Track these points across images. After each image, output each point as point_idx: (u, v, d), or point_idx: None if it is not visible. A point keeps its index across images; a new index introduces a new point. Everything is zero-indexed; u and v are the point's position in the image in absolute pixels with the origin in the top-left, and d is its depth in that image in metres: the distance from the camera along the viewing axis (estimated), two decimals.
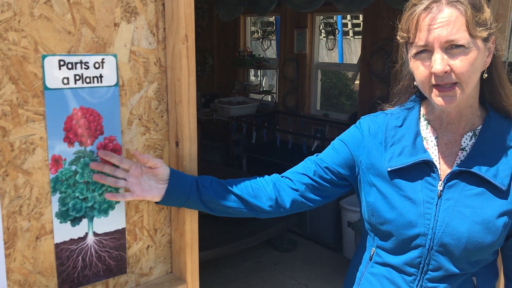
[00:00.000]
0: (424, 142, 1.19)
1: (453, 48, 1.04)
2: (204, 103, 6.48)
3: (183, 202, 1.22)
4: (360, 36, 5.14)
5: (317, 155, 1.35)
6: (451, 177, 1.13)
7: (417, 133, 1.20)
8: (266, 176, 1.33)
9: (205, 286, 3.59)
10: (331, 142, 1.35)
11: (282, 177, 1.34)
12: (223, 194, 1.25)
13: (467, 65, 1.04)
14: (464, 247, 1.11)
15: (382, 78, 4.69)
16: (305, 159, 1.35)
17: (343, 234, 4.11)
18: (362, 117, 1.32)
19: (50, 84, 1.08)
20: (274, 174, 1.35)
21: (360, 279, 1.30)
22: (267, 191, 1.28)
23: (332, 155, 1.30)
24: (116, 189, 1.22)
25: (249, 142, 5.43)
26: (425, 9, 1.06)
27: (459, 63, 1.04)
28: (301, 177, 1.30)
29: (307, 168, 1.31)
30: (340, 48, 8.87)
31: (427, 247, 1.14)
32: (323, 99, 6.45)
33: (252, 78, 7.33)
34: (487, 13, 1.07)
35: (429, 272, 1.16)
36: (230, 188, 1.26)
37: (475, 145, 1.14)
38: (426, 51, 1.07)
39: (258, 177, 1.31)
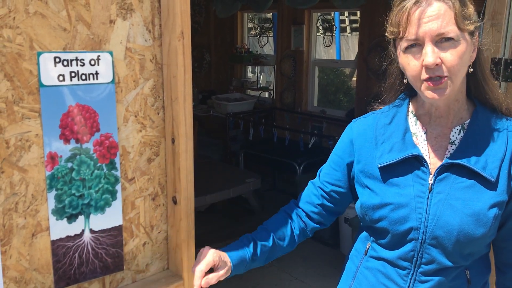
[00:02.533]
0: (414, 138, 1.21)
1: (443, 41, 1.06)
2: (202, 99, 6.47)
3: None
4: (358, 33, 5.13)
5: (319, 176, 1.39)
6: (441, 170, 1.15)
7: (406, 129, 1.21)
8: (293, 214, 1.39)
9: None
10: (330, 157, 1.38)
11: (298, 207, 1.40)
12: (269, 256, 1.35)
13: (457, 58, 1.06)
14: (455, 239, 1.12)
15: (380, 74, 4.69)
16: (309, 184, 1.41)
17: (340, 230, 4.12)
18: (353, 120, 1.35)
19: (45, 81, 1.08)
20: (294, 206, 1.41)
21: (356, 273, 1.32)
22: (296, 230, 1.37)
23: (333, 173, 1.34)
24: (113, 186, 1.22)
25: (246, 139, 5.43)
26: (415, 3, 1.08)
27: (450, 56, 1.06)
28: (312, 207, 1.37)
29: (314, 196, 1.37)
30: (337, 44, 8.87)
31: (420, 241, 1.15)
32: (321, 95, 6.44)
33: (250, 74, 7.32)
34: (471, 8, 1.10)
35: (422, 265, 1.17)
36: (274, 248, 1.35)
37: (464, 139, 1.16)
38: (417, 45, 1.09)
39: (288, 219, 1.38)
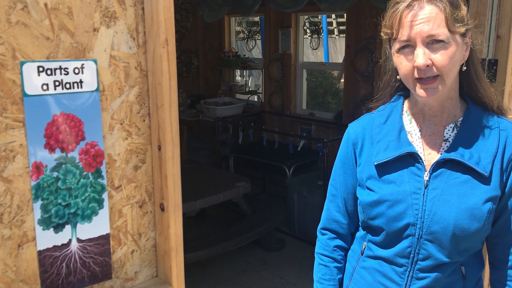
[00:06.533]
0: (409, 136, 1.24)
1: (434, 43, 1.10)
2: (190, 104, 6.46)
3: None
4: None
5: (332, 190, 1.39)
6: (436, 167, 1.18)
7: (401, 128, 1.25)
8: (329, 248, 1.41)
9: (193, 287, 3.59)
10: (335, 168, 1.39)
11: (328, 230, 1.41)
12: None
13: (447, 58, 1.10)
14: (451, 234, 1.15)
15: (366, 76, 4.72)
16: (326, 205, 1.42)
17: None
18: (349, 124, 1.38)
19: (29, 90, 1.07)
20: (324, 239, 1.42)
21: (352, 274, 1.34)
22: (342, 257, 1.41)
23: (345, 181, 1.35)
24: (100, 194, 1.21)
25: (235, 143, 5.43)
26: (407, 6, 1.12)
27: (440, 57, 1.09)
28: (340, 224, 1.39)
29: (337, 213, 1.38)
30: (325, 47, 8.90)
31: (417, 236, 1.18)
32: (309, 98, 6.46)
33: (238, 78, 7.32)
34: (464, 10, 1.14)
35: (419, 262, 1.20)
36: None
37: (457, 136, 1.20)
38: (409, 46, 1.12)
39: (332, 262, 1.41)
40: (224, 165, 5.50)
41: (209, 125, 5.73)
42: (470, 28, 1.16)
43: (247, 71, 6.72)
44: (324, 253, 1.40)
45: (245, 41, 7.25)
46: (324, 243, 1.41)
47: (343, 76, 5.89)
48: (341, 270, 1.39)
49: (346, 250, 1.41)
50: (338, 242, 1.39)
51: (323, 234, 1.42)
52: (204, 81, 6.92)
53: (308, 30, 6.04)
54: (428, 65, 1.09)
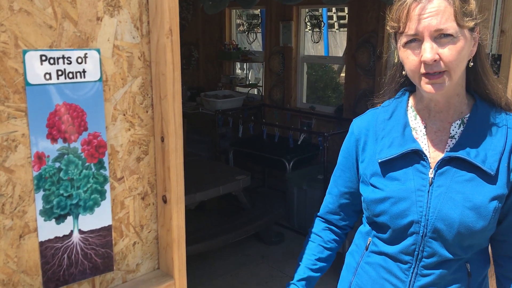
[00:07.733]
0: (413, 132, 1.22)
1: (442, 37, 1.07)
2: (190, 96, 6.44)
3: None
4: (346, 29, 5.14)
5: (331, 183, 1.40)
6: (441, 164, 1.17)
7: (406, 124, 1.23)
8: (321, 231, 1.43)
9: (193, 279, 3.59)
10: (337, 161, 1.39)
11: (323, 219, 1.44)
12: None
13: (455, 53, 1.08)
14: (456, 232, 1.14)
15: (368, 70, 4.70)
16: (326, 195, 1.43)
17: None
18: (354, 119, 1.36)
19: (31, 79, 1.06)
20: (320, 223, 1.45)
21: (356, 269, 1.34)
22: (331, 244, 1.42)
23: (343, 176, 1.36)
24: (102, 186, 1.20)
25: (235, 136, 5.41)
26: None
27: (448, 52, 1.07)
28: (335, 216, 1.41)
29: (332, 205, 1.40)
30: (325, 40, 8.88)
31: (421, 234, 1.17)
32: (309, 92, 6.45)
33: (238, 71, 7.30)
34: (473, 4, 1.11)
35: (423, 259, 1.19)
36: (321, 271, 1.44)
37: (464, 133, 1.18)
38: (416, 40, 1.10)
39: (320, 242, 1.42)
40: (224, 158, 5.49)
41: (209, 118, 5.72)
42: (478, 23, 1.13)
43: (247, 64, 6.70)
44: (313, 231, 1.43)
45: (246, 34, 7.22)
46: (316, 224, 1.44)
47: (343, 70, 5.87)
48: (326, 250, 1.40)
49: (337, 236, 1.42)
50: (330, 226, 1.41)
51: (318, 219, 1.45)
52: (204, 73, 6.89)
53: (308, 24, 6.01)
54: (435, 60, 1.07)
